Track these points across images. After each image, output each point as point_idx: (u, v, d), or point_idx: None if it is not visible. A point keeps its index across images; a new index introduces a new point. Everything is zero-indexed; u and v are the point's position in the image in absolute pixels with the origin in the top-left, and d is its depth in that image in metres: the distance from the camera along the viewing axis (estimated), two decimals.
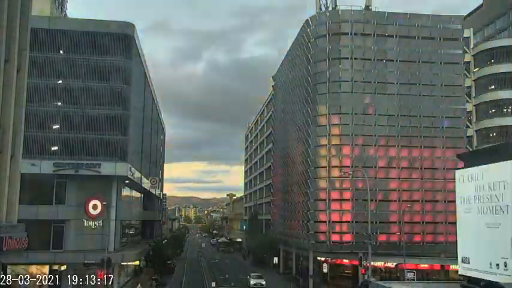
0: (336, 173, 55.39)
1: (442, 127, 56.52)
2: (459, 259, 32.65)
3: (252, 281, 56.46)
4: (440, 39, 57.44)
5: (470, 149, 56.82)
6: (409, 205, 53.84)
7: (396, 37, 57.07)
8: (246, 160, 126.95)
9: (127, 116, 46.47)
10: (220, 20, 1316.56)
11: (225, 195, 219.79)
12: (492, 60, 61.08)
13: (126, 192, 53.33)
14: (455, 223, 34.83)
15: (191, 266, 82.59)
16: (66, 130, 44.89)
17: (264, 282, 56.53)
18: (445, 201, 54.21)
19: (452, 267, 46.70)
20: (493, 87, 60.49)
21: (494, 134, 59.62)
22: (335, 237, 54.69)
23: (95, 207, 43.71)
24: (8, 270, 28.85)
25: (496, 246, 27.76)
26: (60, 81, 45.42)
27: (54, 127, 44.69)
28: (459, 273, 33.21)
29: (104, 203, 43.43)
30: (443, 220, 54.19)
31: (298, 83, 64.40)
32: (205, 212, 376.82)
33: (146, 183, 63.01)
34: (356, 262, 48.76)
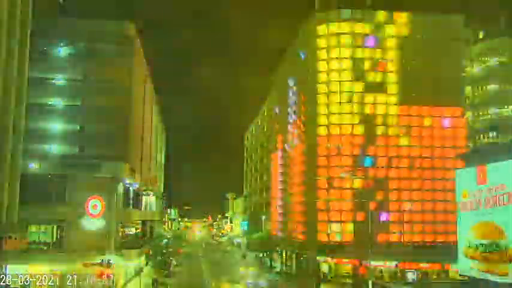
0: (336, 172, 55.47)
1: (442, 127, 56.60)
2: (459, 258, 32.68)
3: None
4: (440, 39, 57.41)
5: (471, 148, 56.84)
6: (410, 205, 53.73)
7: (396, 37, 57.17)
8: (246, 160, 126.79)
9: (128, 111, 46.90)
10: None
11: None
12: None
13: (126, 192, 53.23)
14: (455, 223, 34.84)
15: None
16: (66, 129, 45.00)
17: None
18: (444, 200, 54.28)
19: (452, 267, 46.59)
20: None
21: None
22: (335, 237, 54.64)
23: (95, 207, 43.53)
24: (8, 270, 28.77)
25: None
26: (61, 79, 45.54)
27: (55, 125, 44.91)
28: (459, 273, 33.26)
29: (104, 202, 43.33)
30: (443, 220, 54.15)
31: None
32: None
33: (146, 183, 62.96)
34: (356, 262, 48.74)
